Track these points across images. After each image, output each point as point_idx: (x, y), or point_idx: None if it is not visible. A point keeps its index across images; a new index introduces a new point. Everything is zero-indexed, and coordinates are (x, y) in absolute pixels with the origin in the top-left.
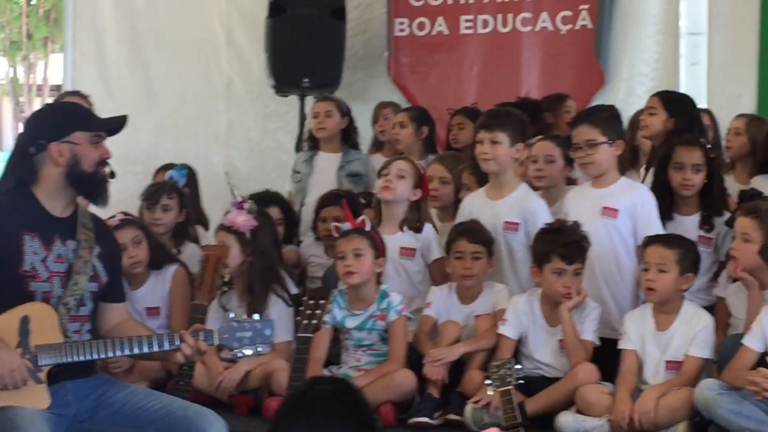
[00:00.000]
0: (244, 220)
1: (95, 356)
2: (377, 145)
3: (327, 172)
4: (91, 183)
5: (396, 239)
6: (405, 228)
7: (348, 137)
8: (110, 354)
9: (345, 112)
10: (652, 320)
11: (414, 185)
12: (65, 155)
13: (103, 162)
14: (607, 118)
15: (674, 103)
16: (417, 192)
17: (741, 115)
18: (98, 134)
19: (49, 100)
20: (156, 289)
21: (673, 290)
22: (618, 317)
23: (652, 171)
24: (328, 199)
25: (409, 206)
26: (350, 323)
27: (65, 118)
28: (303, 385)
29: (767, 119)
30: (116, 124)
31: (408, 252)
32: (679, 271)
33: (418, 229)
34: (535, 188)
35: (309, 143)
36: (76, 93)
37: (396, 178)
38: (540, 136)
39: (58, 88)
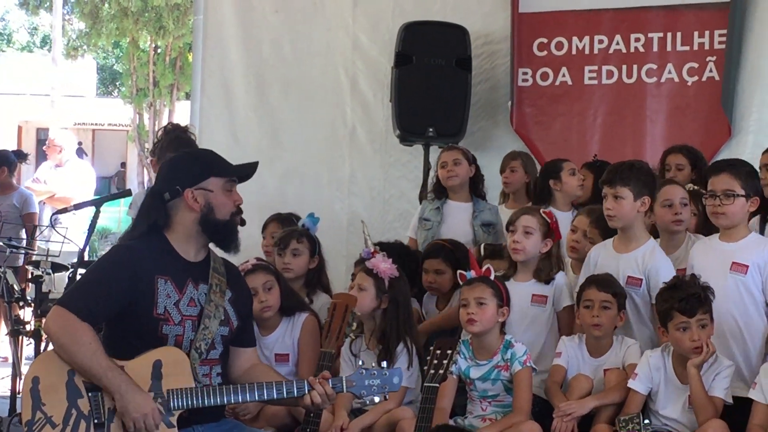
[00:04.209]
0: (387, 267)
1: (225, 401)
2: (505, 196)
3: (460, 220)
4: (224, 231)
5: (528, 287)
6: (538, 278)
7: (475, 186)
8: (240, 399)
9: (472, 160)
10: None
11: (543, 237)
12: (200, 201)
13: (238, 210)
14: (748, 172)
15: None
16: (548, 242)
17: None
18: (231, 180)
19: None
20: (286, 336)
21: None
22: (748, 375)
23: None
24: (431, 251)
25: (541, 256)
26: (474, 374)
27: (200, 164)
28: None
29: None
30: (248, 171)
31: (540, 299)
32: None
33: (549, 281)
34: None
35: (436, 192)
36: (184, 129)
37: (523, 235)
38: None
39: None
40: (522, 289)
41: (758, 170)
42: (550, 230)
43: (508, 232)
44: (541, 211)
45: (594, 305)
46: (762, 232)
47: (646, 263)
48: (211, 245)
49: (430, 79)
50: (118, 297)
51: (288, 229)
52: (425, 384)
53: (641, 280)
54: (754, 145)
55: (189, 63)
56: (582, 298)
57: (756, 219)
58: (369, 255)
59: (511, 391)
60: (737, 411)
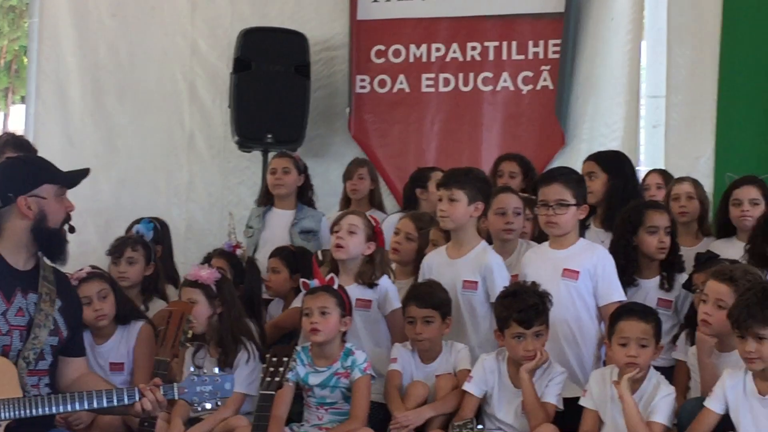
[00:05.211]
0: (208, 273)
1: (54, 410)
2: (346, 202)
3: (279, 228)
4: (54, 240)
5: (351, 291)
6: (360, 281)
7: (303, 194)
8: (69, 408)
9: (302, 169)
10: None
11: (367, 239)
12: (33, 209)
13: (67, 218)
14: (577, 180)
15: (611, 163)
16: (371, 245)
17: (684, 179)
18: (63, 187)
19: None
20: (121, 345)
21: (650, 362)
22: (581, 378)
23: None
24: (273, 251)
25: (363, 260)
26: (313, 380)
27: (33, 170)
28: None
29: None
30: (79, 178)
31: (364, 303)
32: (654, 344)
33: (371, 284)
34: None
35: (262, 198)
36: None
37: (347, 234)
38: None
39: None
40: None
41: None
42: (374, 233)
43: (333, 233)
44: (367, 214)
45: (416, 321)
46: (581, 236)
47: (481, 264)
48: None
49: (268, 85)
50: None
51: (121, 237)
52: (261, 391)
53: (477, 282)
54: (587, 154)
55: (24, 66)
56: (405, 312)
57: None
58: (230, 248)
59: (350, 398)
60: (572, 412)
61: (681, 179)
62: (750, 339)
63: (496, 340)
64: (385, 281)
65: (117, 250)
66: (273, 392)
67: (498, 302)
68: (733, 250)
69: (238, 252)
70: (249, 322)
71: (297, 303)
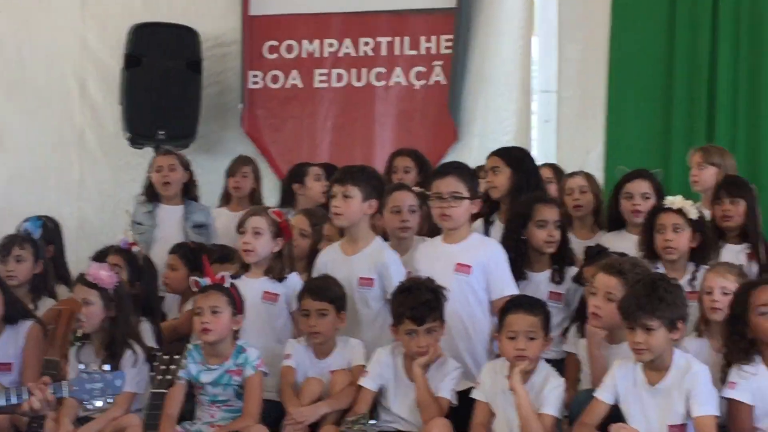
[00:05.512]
0: (108, 276)
1: None
2: (227, 198)
3: (171, 224)
4: None
5: (260, 284)
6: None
7: (189, 190)
8: None
9: (186, 165)
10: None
11: (273, 236)
12: None
13: None
14: (471, 175)
15: (515, 158)
16: (279, 241)
17: (577, 173)
18: None
19: None
20: (9, 345)
21: (540, 354)
22: (474, 371)
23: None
24: (174, 248)
25: (272, 255)
26: (205, 378)
27: None
28: None
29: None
30: None
31: (271, 297)
32: (543, 336)
33: (281, 279)
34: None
35: (148, 195)
36: None
37: (253, 236)
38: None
39: None
40: (254, 285)
41: (485, 172)
42: (280, 230)
43: (239, 234)
44: (270, 210)
45: (311, 314)
46: (487, 234)
47: (376, 261)
48: None
49: (160, 81)
50: None
51: (9, 235)
52: (152, 390)
53: (373, 279)
54: (479, 149)
55: None
56: (300, 306)
57: (481, 222)
58: (126, 245)
59: (242, 396)
60: (466, 405)
61: (574, 173)
62: (639, 330)
63: (392, 335)
64: (294, 277)
65: (4, 249)
66: (165, 391)
67: (393, 298)
68: (623, 243)
69: (135, 249)
70: (139, 323)
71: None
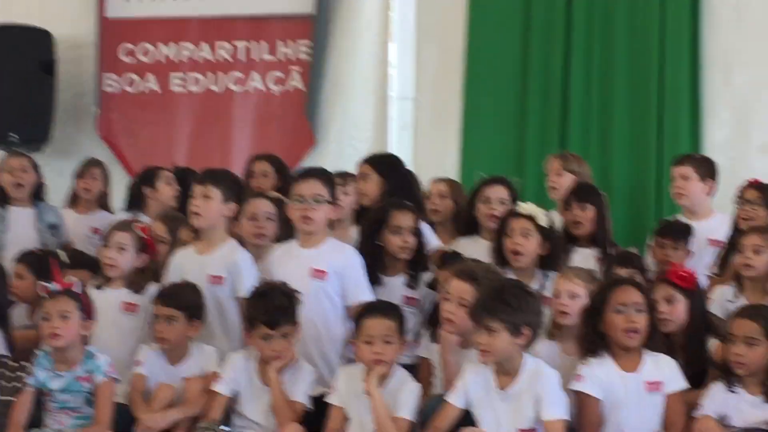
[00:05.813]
0: None
1: None
2: (74, 200)
3: (24, 226)
4: None
5: (120, 294)
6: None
7: (38, 192)
8: None
9: (36, 167)
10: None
11: (137, 251)
12: None
13: None
14: (332, 181)
15: (385, 165)
16: (143, 257)
17: (440, 179)
18: None
19: None
20: None
21: (396, 358)
22: (328, 376)
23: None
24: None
25: (135, 270)
26: (54, 385)
27: None
28: None
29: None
30: None
31: (131, 307)
32: (399, 340)
33: (138, 291)
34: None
35: None
36: None
37: (117, 252)
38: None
39: None
40: (112, 296)
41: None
42: (145, 245)
43: (104, 247)
44: (135, 226)
45: (160, 320)
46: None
47: (228, 260)
48: None
49: (12, 83)
50: None
51: None
52: None
53: (223, 277)
54: (336, 155)
55: None
56: (153, 310)
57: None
58: None
59: (92, 402)
60: (319, 410)
61: (440, 179)
62: (482, 332)
63: (245, 340)
64: (154, 288)
65: None
66: (11, 398)
67: (246, 302)
68: (476, 248)
69: None
70: None
71: None
